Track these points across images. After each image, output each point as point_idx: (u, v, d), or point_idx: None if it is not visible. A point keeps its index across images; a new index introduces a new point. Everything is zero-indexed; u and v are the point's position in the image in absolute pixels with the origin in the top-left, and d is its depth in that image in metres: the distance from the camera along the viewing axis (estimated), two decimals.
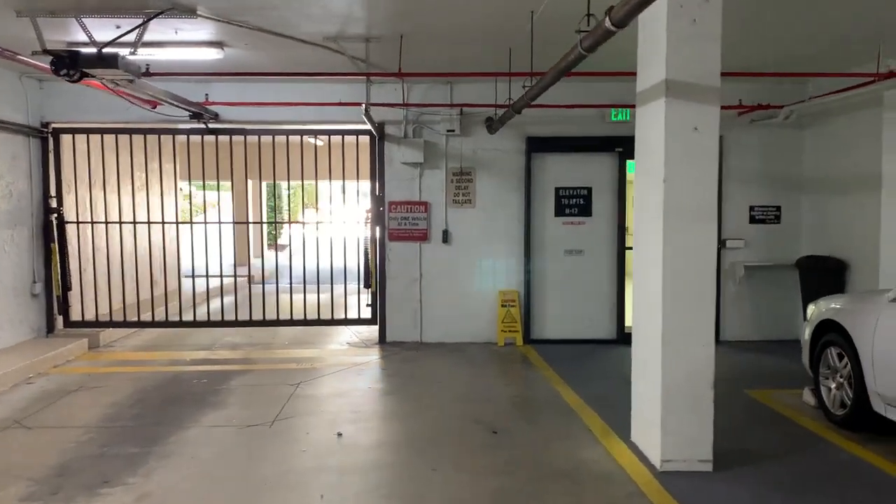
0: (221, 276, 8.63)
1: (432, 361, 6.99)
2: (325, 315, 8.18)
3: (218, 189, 15.96)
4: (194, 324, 8.10)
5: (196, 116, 7.22)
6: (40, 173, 7.62)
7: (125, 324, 8.03)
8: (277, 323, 8.00)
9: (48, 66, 4.60)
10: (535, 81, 4.88)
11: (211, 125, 7.59)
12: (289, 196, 24.38)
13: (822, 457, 4.32)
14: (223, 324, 8.05)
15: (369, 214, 7.95)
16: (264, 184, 17.29)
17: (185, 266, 9.79)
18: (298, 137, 7.80)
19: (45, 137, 7.64)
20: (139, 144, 7.87)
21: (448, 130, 7.66)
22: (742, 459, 4.23)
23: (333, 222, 8.59)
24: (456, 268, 7.86)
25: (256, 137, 7.72)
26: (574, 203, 7.88)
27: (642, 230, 4.35)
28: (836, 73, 6.51)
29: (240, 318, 7.98)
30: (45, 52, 4.61)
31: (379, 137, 7.73)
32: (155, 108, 7.25)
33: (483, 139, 7.76)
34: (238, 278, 11.91)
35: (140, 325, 8.15)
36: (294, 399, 5.58)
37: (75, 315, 7.92)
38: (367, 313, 8.06)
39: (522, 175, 7.80)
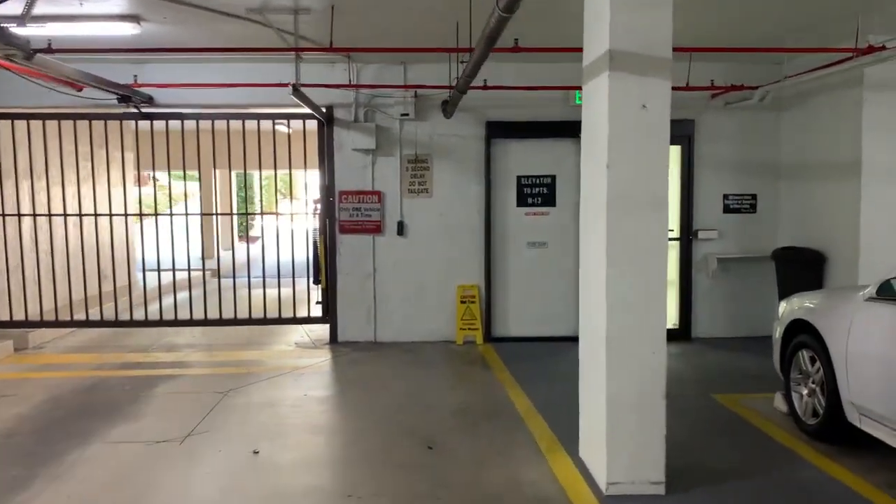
0: (170, 270, 8.08)
1: (383, 363, 6.50)
2: (279, 312, 7.63)
3: (200, 180, 15.25)
4: (132, 323, 7.53)
5: (125, 100, 6.64)
6: None
7: (57, 323, 7.46)
8: (220, 322, 7.46)
9: None
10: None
11: (144, 110, 7.03)
12: (267, 186, 23.79)
13: (788, 475, 3.85)
14: (162, 323, 7.51)
15: (318, 205, 7.42)
16: (234, 174, 16.72)
17: (151, 261, 9.20)
18: (255, 123, 7.17)
19: None
20: (84, 132, 7.28)
21: (402, 114, 7.13)
22: (700, 478, 3.77)
23: (282, 214, 8.06)
24: (412, 262, 7.36)
25: (206, 123, 7.12)
26: (537, 192, 7.38)
27: (587, 221, 3.86)
28: (812, 49, 6.01)
29: (181, 317, 7.43)
30: None
31: (327, 122, 7.19)
32: (80, 90, 6.67)
33: (440, 124, 7.23)
34: (202, 272, 11.39)
35: (74, 324, 7.58)
36: (218, 409, 5.07)
37: (3, 314, 7.36)
38: (318, 311, 7.54)
39: (482, 162, 7.29)
